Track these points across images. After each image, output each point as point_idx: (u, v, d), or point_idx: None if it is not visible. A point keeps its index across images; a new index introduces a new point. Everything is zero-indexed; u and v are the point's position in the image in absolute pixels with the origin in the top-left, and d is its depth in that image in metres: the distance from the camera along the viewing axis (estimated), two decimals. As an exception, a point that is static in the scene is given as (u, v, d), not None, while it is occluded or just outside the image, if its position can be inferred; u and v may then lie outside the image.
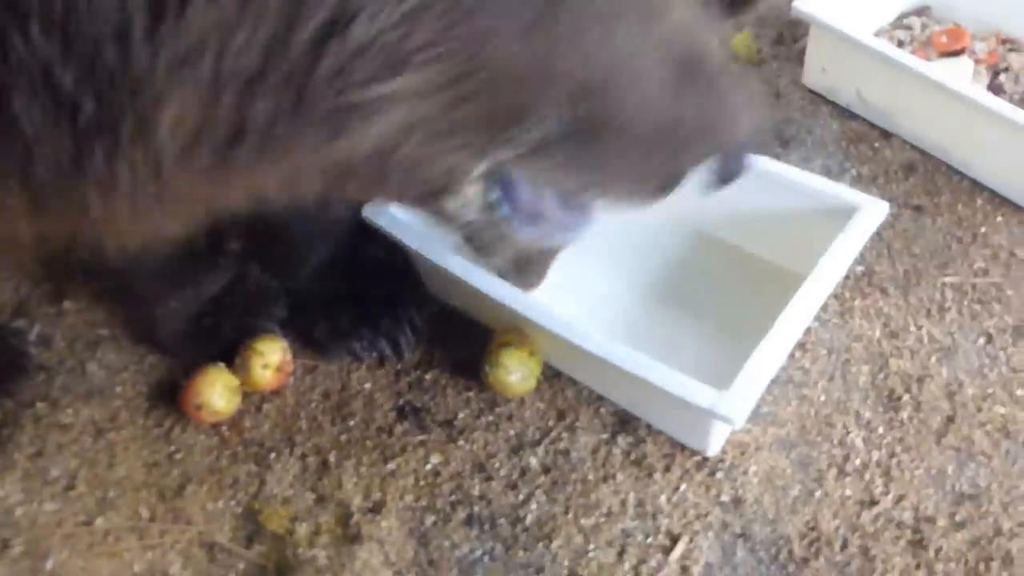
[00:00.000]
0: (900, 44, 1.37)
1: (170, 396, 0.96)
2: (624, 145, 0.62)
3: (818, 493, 0.88)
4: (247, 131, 0.49)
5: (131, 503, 0.89)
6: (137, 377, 0.99)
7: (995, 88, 1.29)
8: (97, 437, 0.93)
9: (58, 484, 0.90)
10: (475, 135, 0.56)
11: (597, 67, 0.55)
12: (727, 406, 0.78)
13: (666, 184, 0.69)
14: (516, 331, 0.94)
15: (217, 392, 0.92)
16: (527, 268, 0.86)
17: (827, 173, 1.18)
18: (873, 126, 1.27)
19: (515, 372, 0.93)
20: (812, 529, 0.85)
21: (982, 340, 1.01)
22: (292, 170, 0.55)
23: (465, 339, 1.00)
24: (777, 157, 1.20)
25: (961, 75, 1.27)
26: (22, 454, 0.91)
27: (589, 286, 1.04)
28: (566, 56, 0.53)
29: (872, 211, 0.95)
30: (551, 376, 0.96)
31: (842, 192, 0.99)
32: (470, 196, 0.66)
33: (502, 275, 0.87)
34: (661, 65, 0.59)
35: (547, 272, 0.89)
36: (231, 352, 0.95)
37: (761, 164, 1.03)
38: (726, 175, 0.77)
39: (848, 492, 0.88)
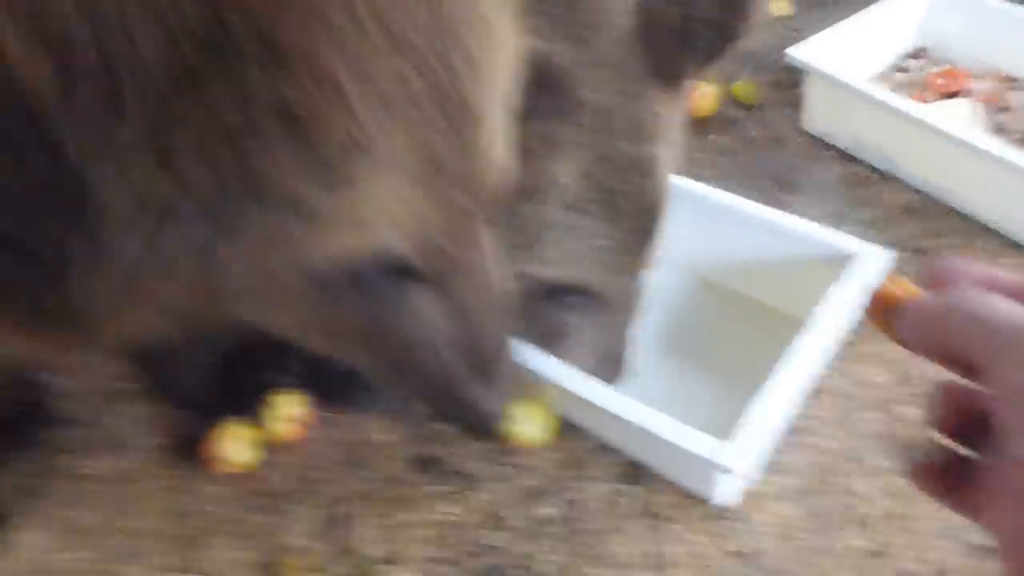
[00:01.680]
0: (898, 87, 1.39)
1: (190, 447, 0.97)
2: None
3: (830, 544, 0.88)
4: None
5: (150, 553, 0.90)
6: (157, 429, 1.01)
7: (996, 127, 1.32)
8: (118, 488, 0.95)
9: (79, 535, 0.91)
10: None
11: None
12: (727, 456, 0.80)
13: None
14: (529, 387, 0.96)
15: (235, 445, 0.94)
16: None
17: (829, 217, 1.20)
18: (874, 169, 1.29)
19: (529, 424, 0.94)
20: (823, 580, 0.86)
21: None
22: None
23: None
24: (779, 202, 1.23)
25: (960, 116, 1.30)
26: (47, 502, 0.93)
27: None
28: None
29: (874, 258, 0.98)
30: (565, 426, 0.98)
31: (843, 240, 1.01)
32: None
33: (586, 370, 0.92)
34: None
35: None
36: (250, 404, 0.97)
37: (761, 212, 1.06)
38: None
39: (860, 543, 0.89)
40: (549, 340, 0.92)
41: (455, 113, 0.53)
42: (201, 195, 0.48)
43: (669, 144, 0.86)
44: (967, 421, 0.39)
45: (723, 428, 0.82)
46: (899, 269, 1.13)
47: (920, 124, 1.18)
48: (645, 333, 1.06)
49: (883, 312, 0.41)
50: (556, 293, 0.89)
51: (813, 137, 1.35)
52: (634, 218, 0.85)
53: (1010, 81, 1.39)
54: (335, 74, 0.46)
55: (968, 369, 0.37)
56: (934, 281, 0.40)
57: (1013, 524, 0.34)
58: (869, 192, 1.27)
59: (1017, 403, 0.34)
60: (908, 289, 0.41)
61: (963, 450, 0.41)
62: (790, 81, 1.42)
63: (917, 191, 1.25)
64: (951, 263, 0.40)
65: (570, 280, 0.87)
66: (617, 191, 0.82)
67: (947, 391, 0.41)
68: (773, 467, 0.94)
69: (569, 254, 0.85)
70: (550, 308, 0.90)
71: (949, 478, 0.40)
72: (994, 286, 0.37)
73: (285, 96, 0.46)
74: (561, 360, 0.91)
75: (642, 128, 0.82)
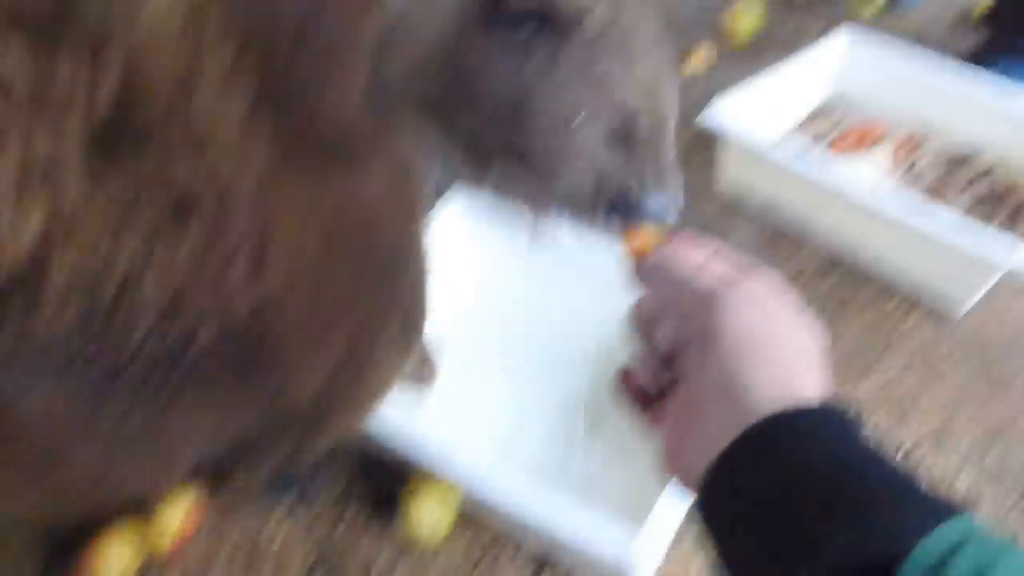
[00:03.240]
0: (817, 138, 1.40)
1: (67, 558, 0.91)
2: None
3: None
4: None
5: None
6: (35, 535, 0.94)
7: (912, 176, 1.33)
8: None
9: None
10: None
11: None
12: (634, 558, 0.77)
13: None
14: (428, 474, 0.92)
15: (116, 555, 0.88)
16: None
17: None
18: (790, 229, 1.29)
19: (425, 524, 0.91)
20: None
21: (899, 454, 1.02)
22: None
23: (385, 470, 0.97)
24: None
25: (875, 167, 1.31)
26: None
27: (509, 410, 1.02)
28: None
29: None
30: (470, 515, 0.94)
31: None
32: None
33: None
34: None
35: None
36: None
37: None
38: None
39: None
40: (506, 110, 0.56)
41: None
42: None
43: None
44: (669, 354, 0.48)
45: (639, 510, 0.79)
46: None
47: (828, 187, 1.17)
48: (557, 411, 1.03)
49: (637, 257, 0.50)
50: (499, 7, 0.54)
51: (729, 197, 1.34)
52: None
53: (924, 129, 1.40)
54: None
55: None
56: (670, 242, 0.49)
57: (668, 433, 0.45)
58: (784, 252, 1.26)
59: (695, 344, 0.43)
60: (652, 242, 0.51)
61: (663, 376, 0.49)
62: (704, 143, 1.41)
63: (831, 249, 1.25)
64: (684, 236, 0.49)
65: None
66: None
67: (642, 319, 0.49)
68: (691, 547, 0.91)
69: None
70: (495, 43, 0.55)
71: (647, 395, 0.50)
72: (713, 255, 0.47)
73: None
74: (533, 145, 0.56)
75: None
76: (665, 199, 0.57)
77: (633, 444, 0.99)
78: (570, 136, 0.56)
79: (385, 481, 0.96)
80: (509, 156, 0.58)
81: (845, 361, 1.11)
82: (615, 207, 0.57)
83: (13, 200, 0.38)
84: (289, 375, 0.54)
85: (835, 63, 1.45)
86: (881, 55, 1.42)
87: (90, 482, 0.48)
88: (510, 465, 0.94)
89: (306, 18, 0.45)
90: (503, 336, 1.09)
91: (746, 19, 1.67)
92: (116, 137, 0.41)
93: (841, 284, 1.22)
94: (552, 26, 0.55)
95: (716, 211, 1.32)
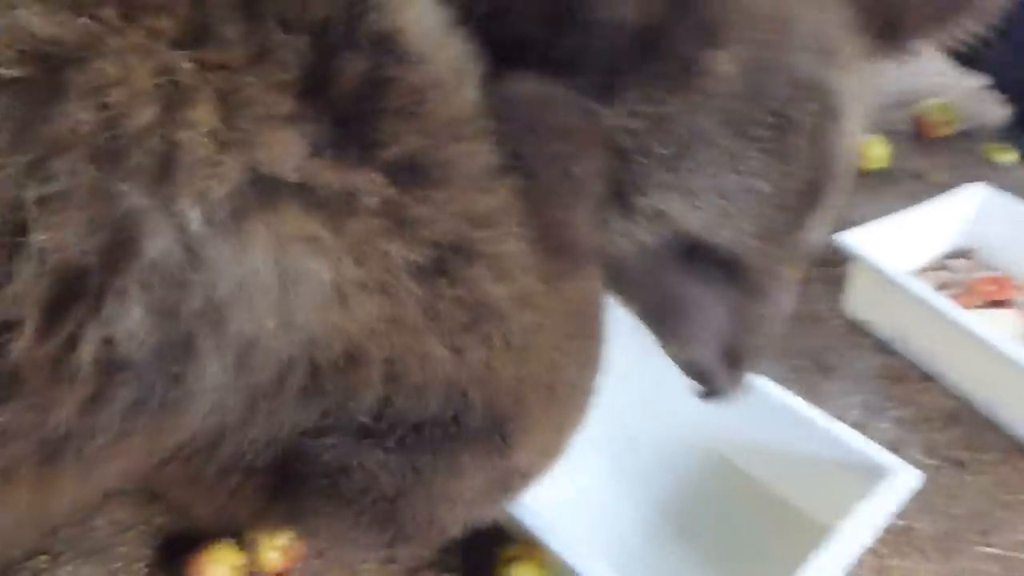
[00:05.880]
0: (943, 287, 1.38)
1: (173, 562, 0.93)
2: None
3: None
4: None
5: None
6: (142, 538, 0.97)
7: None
8: (90, 603, 0.90)
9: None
10: None
11: None
12: None
13: None
14: (525, 544, 0.91)
15: (221, 571, 0.89)
16: None
17: (866, 409, 1.17)
18: (913, 366, 1.26)
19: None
20: None
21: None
22: None
23: (478, 538, 0.97)
24: (814, 386, 1.20)
25: (1006, 327, 1.27)
26: (13, 609, 0.89)
27: (599, 501, 1.02)
28: None
29: (905, 478, 0.93)
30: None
31: (875, 452, 0.96)
32: None
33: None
34: None
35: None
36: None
37: (797, 405, 1.02)
38: (707, 392, 0.81)
39: None
40: (666, 313, 0.74)
41: None
42: None
43: (857, 98, 0.68)
44: None
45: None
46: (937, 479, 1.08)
47: (964, 330, 1.15)
48: (653, 508, 1.02)
49: None
50: (687, 254, 0.70)
51: (853, 322, 1.33)
52: (807, 165, 0.66)
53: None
54: None
55: None
56: None
57: None
58: (907, 390, 1.23)
59: None
60: None
61: None
62: (834, 259, 1.42)
63: (956, 397, 1.21)
64: None
65: (709, 235, 0.68)
66: (789, 120, 0.64)
67: None
68: None
69: (717, 189, 0.65)
70: (675, 272, 0.71)
71: None
72: None
73: None
74: (674, 339, 0.77)
75: (826, 46, 0.65)
76: (732, 396, 0.81)
77: (726, 554, 0.97)
78: (697, 340, 0.76)
79: (480, 550, 0.96)
80: (646, 312, 0.78)
81: (964, 521, 1.06)
82: (704, 392, 0.81)
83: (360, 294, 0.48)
84: (523, 444, 0.63)
85: (970, 212, 1.45)
86: (1017, 210, 1.42)
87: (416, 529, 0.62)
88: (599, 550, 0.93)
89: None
90: (609, 422, 1.10)
91: (875, 148, 1.71)
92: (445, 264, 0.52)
93: (971, 434, 1.16)
94: (728, 268, 0.72)
95: (839, 335, 1.31)
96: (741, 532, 1.00)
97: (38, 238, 0.39)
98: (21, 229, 0.39)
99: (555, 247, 0.58)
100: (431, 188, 0.50)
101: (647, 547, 0.96)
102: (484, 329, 0.55)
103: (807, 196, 0.68)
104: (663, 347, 0.80)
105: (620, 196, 0.67)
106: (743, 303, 0.73)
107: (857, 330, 1.32)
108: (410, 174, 0.49)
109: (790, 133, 0.64)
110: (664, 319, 0.75)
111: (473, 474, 0.60)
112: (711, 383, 0.78)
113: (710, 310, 0.73)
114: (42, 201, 0.39)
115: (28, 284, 0.40)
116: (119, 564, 0.94)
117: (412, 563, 0.96)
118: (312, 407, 0.52)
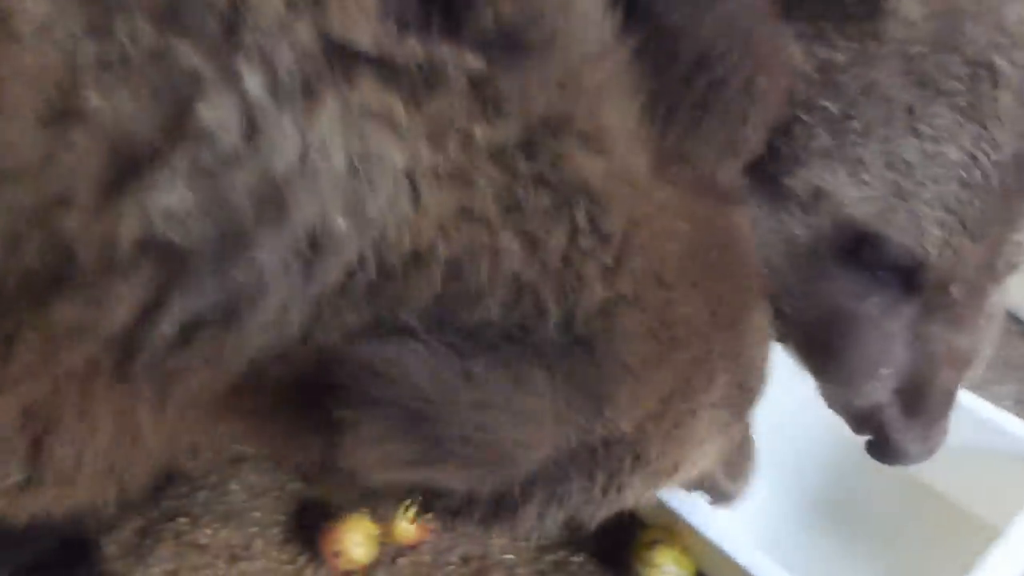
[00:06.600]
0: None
1: (306, 528, 0.93)
2: None
3: None
4: None
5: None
6: (276, 504, 0.97)
7: None
8: (231, 563, 0.91)
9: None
10: None
11: None
12: None
13: None
14: (665, 528, 0.88)
15: (357, 540, 0.89)
16: None
17: (1018, 402, 1.09)
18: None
19: (669, 572, 0.86)
20: None
21: None
22: None
23: (611, 522, 0.94)
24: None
25: None
26: (160, 568, 0.90)
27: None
28: None
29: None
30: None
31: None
32: None
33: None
34: None
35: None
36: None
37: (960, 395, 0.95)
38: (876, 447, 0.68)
39: None
40: (825, 336, 0.58)
41: None
42: None
43: None
44: None
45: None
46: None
47: None
48: (805, 499, 0.96)
49: None
50: (852, 252, 0.56)
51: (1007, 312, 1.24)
52: (1014, 131, 0.50)
53: None
54: None
55: None
56: None
57: None
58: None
59: None
60: None
61: None
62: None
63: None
64: None
65: (879, 224, 0.53)
66: (991, 70, 0.50)
67: None
68: None
69: (890, 158, 0.51)
70: (837, 279, 0.56)
71: None
72: None
73: None
74: (840, 363, 0.58)
75: None
76: (917, 459, 0.65)
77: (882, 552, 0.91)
78: (866, 375, 0.59)
79: (614, 532, 0.92)
80: (807, 349, 0.63)
81: None
82: (874, 444, 0.65)
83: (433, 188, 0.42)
84: (620, 391, 0.50)
85: None
86: None
87: (461, 442, 0.48)
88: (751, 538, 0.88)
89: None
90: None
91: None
92: (532, 141, 0.44)
93: None
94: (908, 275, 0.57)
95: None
96: (900, 528, 0.94)
97: (93, 104, 0.36)
98: (77, 94, 0.36)
99: (692, 155, 0.49)
100: (527, 62, 0.42)
101: (799, 537, 0.92)
102: (568, 212, 0.45)
103: (1015, 173, 0.51)
104: (821, 389, 0.62)
105: (769, 176, 0.55)
106: (928, 327, 0.55)
107: (1010, 318, 1.23)
108: (504, 48, 0.42)
109: (992, 86, 0.50)
110: (823, 345, 0.57)
111: (547, 393, 0.47)
112: (882, 435, 0.59)
113: (885, 335, 0.55)
114: (100, 64, 0.36)
115: (82, 155, 0.37)
116: (255, 529, 0.95)
117: (544, 541, 0.93)
118: (365, 312, 0.44)
